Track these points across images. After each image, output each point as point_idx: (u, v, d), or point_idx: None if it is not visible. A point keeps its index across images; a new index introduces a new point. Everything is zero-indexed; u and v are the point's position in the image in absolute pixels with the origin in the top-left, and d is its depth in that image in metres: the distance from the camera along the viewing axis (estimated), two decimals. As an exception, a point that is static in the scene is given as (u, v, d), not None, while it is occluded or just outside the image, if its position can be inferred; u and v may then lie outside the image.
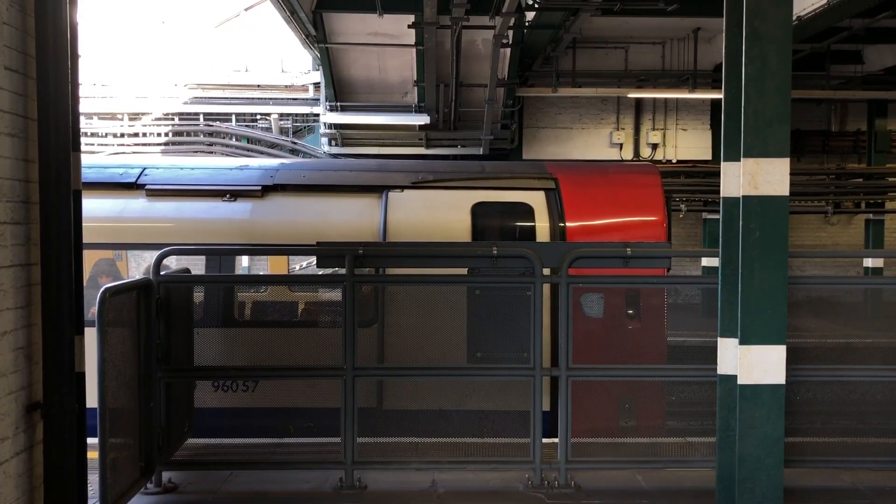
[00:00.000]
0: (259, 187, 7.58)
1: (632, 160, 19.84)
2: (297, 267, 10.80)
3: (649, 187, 7.77)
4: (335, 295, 6.82)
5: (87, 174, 7.68)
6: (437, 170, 8.12)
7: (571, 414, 5.34)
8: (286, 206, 7.63)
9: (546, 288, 5.71)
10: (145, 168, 7.84)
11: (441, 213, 7.60)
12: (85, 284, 4.86)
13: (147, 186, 7.52)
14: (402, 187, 7.67)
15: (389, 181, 7.77)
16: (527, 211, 7.55)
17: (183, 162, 9.54)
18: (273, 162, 10.02)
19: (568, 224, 7.41)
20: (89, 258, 6.51)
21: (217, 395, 6.54)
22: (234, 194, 7.53)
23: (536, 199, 7.59)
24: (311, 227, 7.34)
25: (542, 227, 7.48)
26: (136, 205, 7.49)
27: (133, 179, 7.60)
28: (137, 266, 7.77)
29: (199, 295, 6.93)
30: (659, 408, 6.81)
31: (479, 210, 7.54)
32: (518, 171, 8.33)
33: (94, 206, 7.26)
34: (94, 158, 14.32)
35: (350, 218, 7.55)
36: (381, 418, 6.27)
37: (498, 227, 7.68)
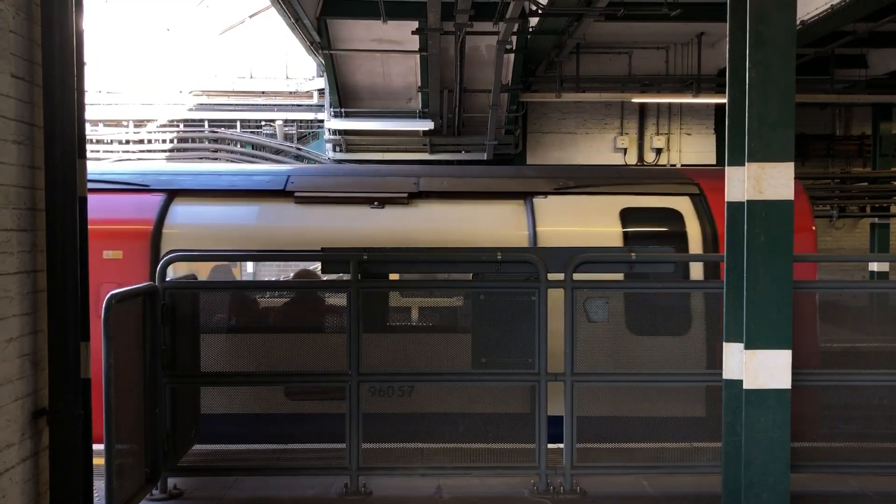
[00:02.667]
0: (405, 194, 7.65)
1: (636, 165, 19.83)
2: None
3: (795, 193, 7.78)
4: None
5: (235, 182, 7.97)
6: (576, 175, 8.16)
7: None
8: (432, 213, 7.69)
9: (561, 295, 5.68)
10: (289, 175, 7.97)
11: (589, 219, 7.59)
12: None
13: (296, 194, 7.64)
14: (546, 193, 7.70)
15: (532, 187, 7.81)
16: (676, 216, 7.49)
17: (322, 168, 9.67)
18: (406, 168, 10.11)
19: (720, 230, 7.22)
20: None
21: (377, 401, 6.32)
22: (382, 201, 7.61)
23: (683, 205, 7.53)
24: (459, 233, 7.36)
25: (693, 232, 7.41)
26: (286, 212, 7.62)
27: (281, 186, 7.73)
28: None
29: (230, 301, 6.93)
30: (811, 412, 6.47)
31: (627, 216, 7.52)
32: (657, 176, 8.26)
33: (245, 213, 7.58)
34: (234, 167, 14.21)
35: (497, 225, 7.59)
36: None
37: (648, 232, 7.63)
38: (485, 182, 8.09)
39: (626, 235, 7.43)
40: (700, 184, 7.71)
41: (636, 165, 19.79)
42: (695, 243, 7.39)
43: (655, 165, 19.79)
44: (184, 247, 6.67)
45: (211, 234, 7.41)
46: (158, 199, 7.54)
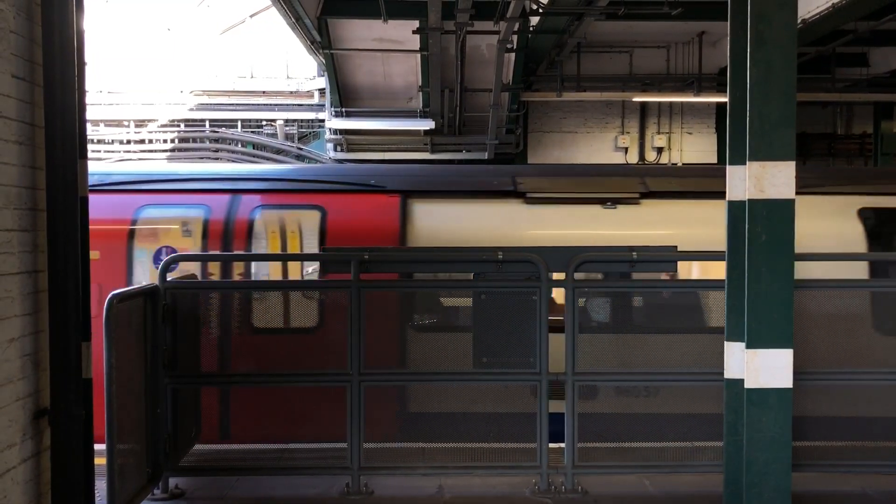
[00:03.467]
0: (637, 194, 7.67)
1: (636, 164, 19.82)
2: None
3: None
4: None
5: (465, 182, 8.14)
6: (808, 175, 8.09)
7: None
8: (663, 212, 7.69)
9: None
10: (514, 175, 8.09)
11: (825, 220, 7.51)
12: None
13: (528, 195, 7.73)
14: None
15: None
16: None
17: (543, 168, 9.70)
18: (631, 167, 9.99)
19: None
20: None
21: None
22: (615, 201, 7.64)
23: None
24: (690, 235, 7.20)
25: None
26: (518, 212, 7.70)
27: (511, 187, 7.85)
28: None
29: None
30: None
31: (866, 215, 7.49)
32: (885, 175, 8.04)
33: (478, 214, 7.71)
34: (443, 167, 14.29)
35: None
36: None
37: (891, 233, 7.58)
38: (717, 182, 8.07)
39: (867, 236, 7.39)
40: None
41: (637, 164, 19.78)
42: None
43: (657, 165, 19.79)
44: None
45: (449, 235, 7.53)
46: (396, 200, 7.69)
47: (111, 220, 7.54)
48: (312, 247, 7.58)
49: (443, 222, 7.77)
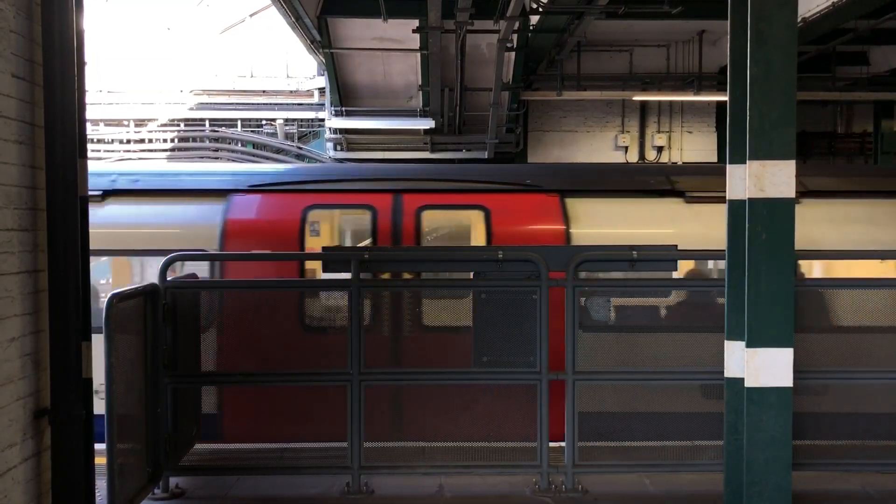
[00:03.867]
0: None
1: (637, 163, 19.81)
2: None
3: None
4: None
5: (619, 182, 8.17)
6: None
7: None
8: (825, 212, 7.61)
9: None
10: (669, 174, 8.17)
11: None
12: None
13: (687, 193, 7.76)
14: None
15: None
16: None
17: (690, 166, 9.74)
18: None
19: None
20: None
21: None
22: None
23: None
24: (855, 235, 7.24)
25: None
26: (677, 212, 7.75)
27: (669, 186, 7.91)
28: None
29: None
30: None
31: None
32: None
33: (637, 213, 7.75)
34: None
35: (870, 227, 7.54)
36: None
37: None
38: (880, 181, 8.02)
39: None
40: None
41: (638, 163, 19.77)
42: None
43: (657, 163, 19.77)
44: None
45: (614, 234, 7.54)
46: (556, 200, 7.74)
47: (281, 221, 7.69)
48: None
49: (603, 221, 7.78)
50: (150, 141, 21.15)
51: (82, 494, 4.26)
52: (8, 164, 3.94)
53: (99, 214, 7.25)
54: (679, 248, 6.05)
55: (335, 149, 19.19)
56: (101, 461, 4.50)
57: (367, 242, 7.80)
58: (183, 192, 7.86)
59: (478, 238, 7.79)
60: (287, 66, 22.11)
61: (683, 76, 18.85)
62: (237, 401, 6.23)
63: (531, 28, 14.99)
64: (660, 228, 7.72)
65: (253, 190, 7.85)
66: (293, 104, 21.86)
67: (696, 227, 7.59)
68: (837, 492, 5.50)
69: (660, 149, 20.17)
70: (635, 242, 6.64)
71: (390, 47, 15.80)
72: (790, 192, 4.67)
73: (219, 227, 7.54)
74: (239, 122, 21.80)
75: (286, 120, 21.63)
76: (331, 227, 8.23)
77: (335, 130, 18.69)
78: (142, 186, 7.86)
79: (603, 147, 20.17)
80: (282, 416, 5.93)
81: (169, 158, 20.38)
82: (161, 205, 7.77)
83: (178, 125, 21.42)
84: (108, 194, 7.65)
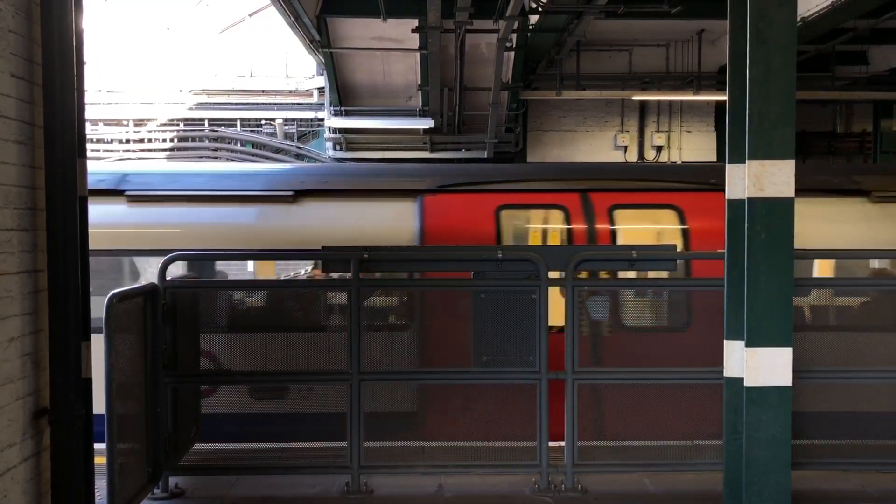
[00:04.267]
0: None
1: (636, 163, 19.81)
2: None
3: None
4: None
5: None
6: None
7: None
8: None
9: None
10: (851, 174, 8.18)
11: None
12: None
13: (873, 193, 7.77)
14: None
15: None
16: None
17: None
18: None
19: None
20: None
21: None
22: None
23: None
24: None
25: None
26: (863, 211, 7.77)
27: (853, 186, 7.89)
28: None
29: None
30: None
31: None
32: None
33: (824, 212, 7.67)
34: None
35: None
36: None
37: None
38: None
39: None
40: None
41: (637, 162, 19.78)
42: None
43: (656, 163, 19.77)
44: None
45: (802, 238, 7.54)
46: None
47: (474, 221, 7.67)
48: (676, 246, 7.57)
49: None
50: (150, 141, 21.15)
51: (82, 494, 4.25)
52: (7, 164, 3.93)
53: (297, 213, 7.49)
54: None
55: (334, 148, 19.20)
56: (100, 461, 4.50)
57: (556, 241, 7.77)
58: (375, 192, 7.92)
59: (671, 237, 7.64)
60: (286, 65, 22.11)
61: (683, 76, 18.86)
62: (435, 400, 6.20)
63: (530, 28, 15.00)
64: (842, 229, 7.64)
65: (441, 191, 7.84)
66: (292, 104, 21.87)
67: (884, 229, 7.57)
68: (837, 491, 5.50)
69: (659, 148, 20.18)
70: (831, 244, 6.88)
71: (390, 47, 15.80)
72: (790, 192, 4.67)
73: (416, 228, 7.58)
74: (238, 122, 21.80)
75: (285, 119, 21.63)
76: (525, 227, 8.11)
77: (334, 130, 18.69)
78: (331, 187, 7.95)
79: (602, 147, 20.18)
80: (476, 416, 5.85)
81: (168, 158, 20.38)
82: (353, 204, 7.83)
83: (178, 125, 21.42)
84: (299, 194, 7.68)
